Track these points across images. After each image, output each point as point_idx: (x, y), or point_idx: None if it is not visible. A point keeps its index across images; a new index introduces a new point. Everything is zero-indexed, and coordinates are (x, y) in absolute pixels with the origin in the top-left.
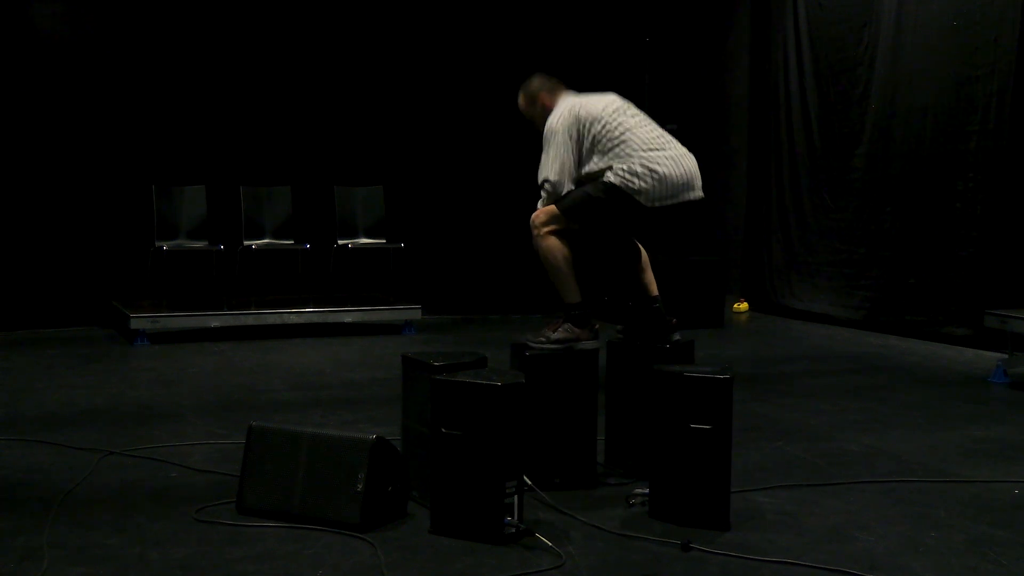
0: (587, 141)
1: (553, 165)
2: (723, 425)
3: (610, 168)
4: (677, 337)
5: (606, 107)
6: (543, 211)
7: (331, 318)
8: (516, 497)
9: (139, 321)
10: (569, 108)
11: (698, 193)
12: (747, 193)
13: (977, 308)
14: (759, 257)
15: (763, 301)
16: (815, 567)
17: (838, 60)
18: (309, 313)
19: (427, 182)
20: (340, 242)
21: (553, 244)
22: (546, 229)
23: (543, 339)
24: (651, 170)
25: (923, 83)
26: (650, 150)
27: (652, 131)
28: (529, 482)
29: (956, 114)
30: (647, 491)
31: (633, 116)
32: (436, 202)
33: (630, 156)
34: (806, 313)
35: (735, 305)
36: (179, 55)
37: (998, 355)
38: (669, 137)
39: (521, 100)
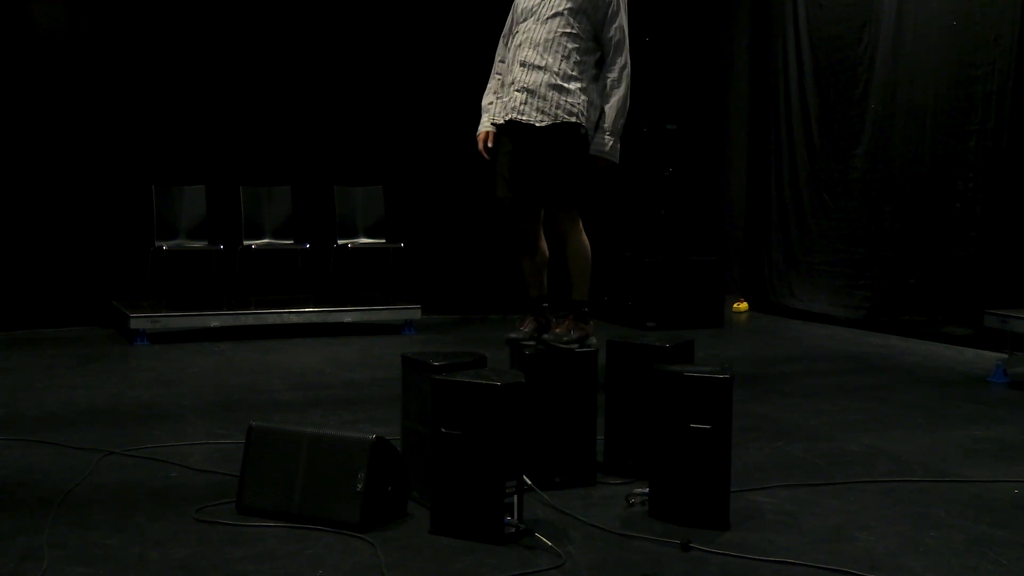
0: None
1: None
2: (723, 425)
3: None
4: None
5: None
6: (569, 216)
7: (331, 318)
8: (516, 497)
9: (139, 321)
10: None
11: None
12: (747, 193)
13: (977, 308)
14: (759, 257)
15: (763, 301)
16: (815, 567)
17: (838, 60)
18: (309, 313)
19: (427, 182)
20: (340, 242)
21: (587, 243)
22: (580, 228)
23: (567, 337)
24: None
25: (923, 83)
26: None
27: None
28: (529, 482)
29: (956, 114)
30: (647, 491)
31: None
32: (436, 202)
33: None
34: (806, 313)
35: (735, 305)
36: (179, 54)
37: (998, 355)
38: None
39: None
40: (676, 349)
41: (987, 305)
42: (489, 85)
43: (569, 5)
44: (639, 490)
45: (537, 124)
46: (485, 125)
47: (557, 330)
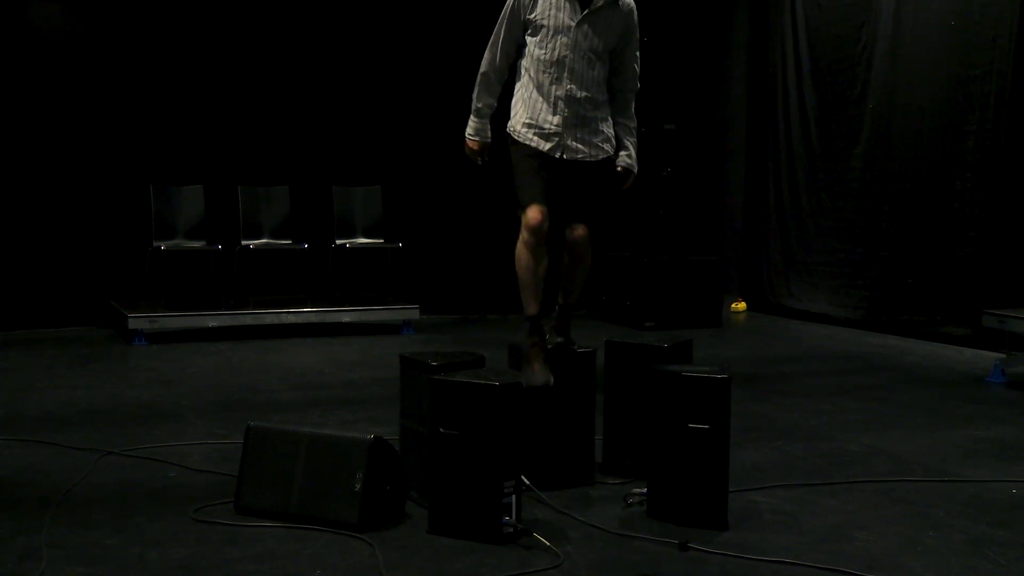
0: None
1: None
2: (721, 425)
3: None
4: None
5: None
6: (592, 234)
7: (329, 318)
8: (514, 497)
9: (137, 321)
10: None
11: None
12: (745, 193)
13: (975, 308)
14: (757, 257)
15: (761, 301)
16: (814, 567)
17: (836, 60)
18: (307, 313)
19: (425, 182)
20: (338, 242)
21: None
22: None
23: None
24: None
25: (921, 83)
26: None
27: None
28: (527, 482)
29: (954, 114)
30: (645, 491)
31: None
32: (434, 202)
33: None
34: (804, 313)
35: (733, 305)
36: (177, 54)
37: (996, 355)
38: None
39: None
40: (674, 349)
41: (985, 305)
42: (484, 87)
43: (611, 46)
44: (637, 490)
45: (580, 158)
46: (484, 134)
47: (563, 336)
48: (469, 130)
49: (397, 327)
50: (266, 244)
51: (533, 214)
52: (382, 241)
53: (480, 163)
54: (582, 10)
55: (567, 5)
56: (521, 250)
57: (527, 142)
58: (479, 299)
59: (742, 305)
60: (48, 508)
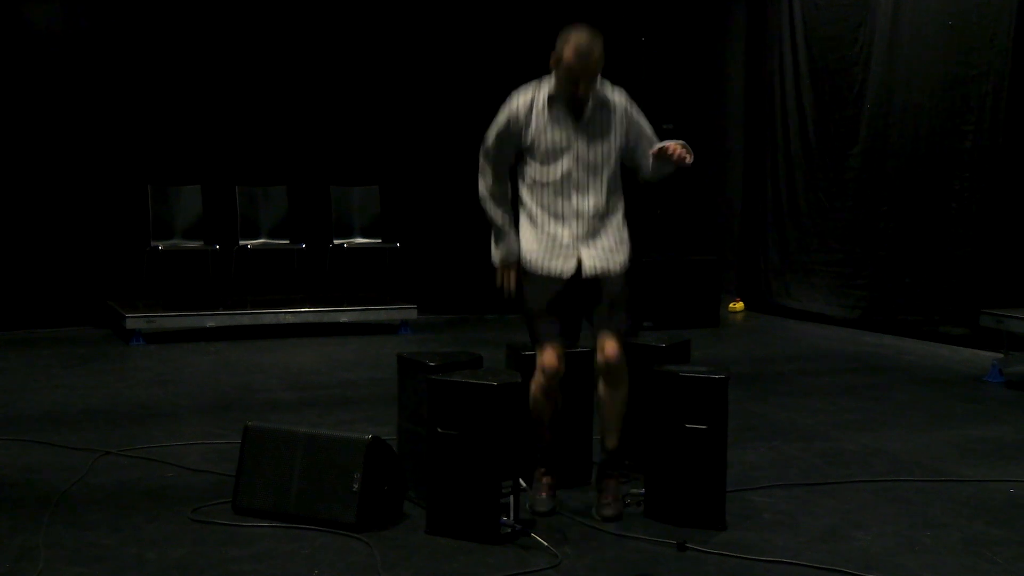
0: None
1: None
2: (719, 425)
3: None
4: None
5: None
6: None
7: (327, 318)
8: (512, 497)
9: (135, 321)
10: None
11: None
12: (743, 193)
13: (973, 307)
14: (755, 256)
15: (759, 300)
16: (811, 566)
17: (834, 60)
18: (305, 313)
19: (423, 182)
20: (336, 242)
21: None
22: None
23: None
24: None
25: (919, 82)
26: None
27: None
28: (523, 484)
29: (952, 113)
30: (643, 491)
31: None
32: (432, 202)
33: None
34: (802, 312)
35: (731, 304)
36: (175, 54)
37: (994, 354)
38: None
39: (598, 53)
40: (672, 349)
41: (983, 305)
42: (493, 205)
43: (619, 144)
44: (635, 490)
45: (598, 275)
46: (511, 251)
47: (608, 500)
48: (499, 254)
49: (395, 327)
50: (264, 244)
51: (548, 358)
52: (380, 241)
53: (510, 290)
54: (576, 122)
55: (560, 121)
56: (535, 391)
57: (541, 272)
58: (477, 299)
59: (740, 305)
60: (46, 508)
